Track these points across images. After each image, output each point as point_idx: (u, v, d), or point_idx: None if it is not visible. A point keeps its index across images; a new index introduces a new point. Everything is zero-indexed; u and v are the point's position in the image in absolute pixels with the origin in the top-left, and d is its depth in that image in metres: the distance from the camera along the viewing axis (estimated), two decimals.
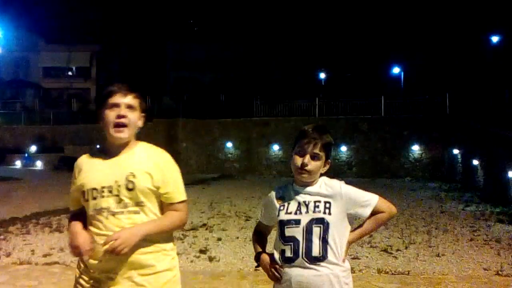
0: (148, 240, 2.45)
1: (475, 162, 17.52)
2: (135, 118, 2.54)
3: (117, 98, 2.49)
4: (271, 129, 26.29)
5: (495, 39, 33.31)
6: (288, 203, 2.61)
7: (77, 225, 2.52)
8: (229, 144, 27.00)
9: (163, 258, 2.53)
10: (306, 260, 2.49)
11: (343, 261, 2.53)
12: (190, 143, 27.69)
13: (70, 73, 47.23)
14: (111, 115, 2.47)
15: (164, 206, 2.59)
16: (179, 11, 47.23)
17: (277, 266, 2.59)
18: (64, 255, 7.66)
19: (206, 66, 43.07)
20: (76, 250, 2.42)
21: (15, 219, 10.73)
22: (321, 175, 2.64)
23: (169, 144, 27.64)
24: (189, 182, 21.01)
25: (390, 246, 8.37)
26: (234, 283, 6.20)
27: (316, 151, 2.55)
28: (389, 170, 23.22)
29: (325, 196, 2.55)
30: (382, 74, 40.65)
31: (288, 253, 2.54)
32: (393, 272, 6.74)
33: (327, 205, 2.52)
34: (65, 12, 42.91)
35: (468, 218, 11.65)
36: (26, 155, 29.73)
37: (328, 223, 2.49)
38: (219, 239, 9.02)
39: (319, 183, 2.60)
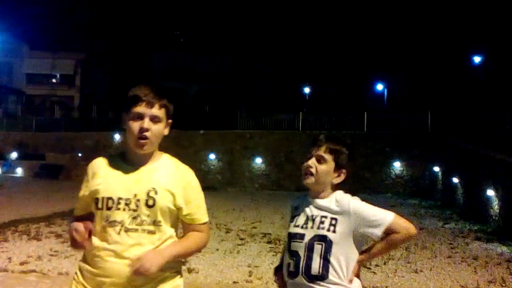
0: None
1: (455, 179, 17.70)
2: (159, 131, 2.35)
3: (142, 108, 2.28)
4: (254, 142, 26.31)
5: (477, 59, 33.88)
6: (299, 215, 2.53)
7: (79, 223, 2.34)
8: (212, 156, 26.95)
9: (168, 280, 2.38)
10: (305, 277, 2.40)
11: (350, 281, 2.39)
12: (172, 154, 27.30)
13: (54, 80, 46.89)
14: (134, 126, 2.28)
15: (185, 226, 2.45)
16: (166, 22, 47.29)
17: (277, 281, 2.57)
18: (42, 263, 7.58)
19: (192, 77, 43.12)
20: (76, 242, 2.28)
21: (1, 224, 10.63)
22: (337, 188, 2.53)
23: None
24: None
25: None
26: None
27: (321, 153, 2.47)
28: (370, 185, 23.32)
29: (333, 212, 2.42)
30: (365, 91, 41.07)
31: (291, 268, 2.47)
32: (371, 287, 6.77)
33: (333, 222, 2.40)
34: (50, 19, 42.74)
35: (446, 235, 11.76)
36: (6, 161, 29.39)
37: (331, 242, 2.37)
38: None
39: (331, 197, 2.48)
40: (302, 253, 2.43)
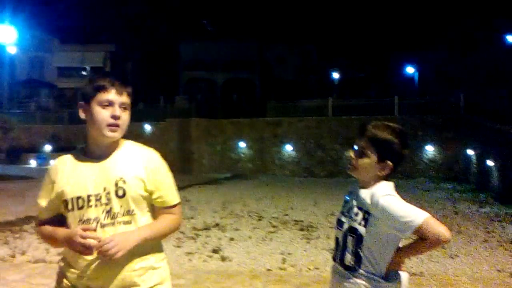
0: (137, 254, 2.24)
1: (490, 163, 17.35)
2: (127, 119, 2.30)
3: (112, 95, 2.22)
4: (283, 129, 26.26)
5: (510, 38, 32.99)
6: (347, 202, 2.47)
7: (61, 229, 2.26)
8: (242, 144, 27.01)
9: (152, 274, 2.31)
10: (339, 264, 2.40)
11: (386, 276, 2.29)
12: (203, 143, 27.75)
13: (84, 72, 47.52)
14: (103, 113, 2.21)
15: (157, 210, 2.36)
16: (193, 11, 47.35)
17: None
18: None
19: (219, 66, 43.16)
20: (88, 250, 2.11)
21: (30, 217, 10.75)
22: (385, 179, 2.38)
23: (182, 144, 27.79)
24: (202, 182, 21.13)
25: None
26: (246, 282, 6.20)
27: (362, 144, 2.35)
28: (403, 171, 23.06)
29: (367, 205, 2.31)
30: (395, 74, 40.53)
31: (334, 254, 2.49)
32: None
33: (365, 216, 2.30)
34: (80, 12, 43.25)
35: (482, 219, 11.56)
36: (40, 154, 29.98)
37: (361, 236, 2.29)
38: (232, 239, 9.04)
39: (373, 189, 2.34)
40: (340, 241, 2.40)
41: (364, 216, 2.31)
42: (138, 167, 2.30)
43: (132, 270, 2.24)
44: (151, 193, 2.30)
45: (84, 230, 2.13)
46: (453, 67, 36.95)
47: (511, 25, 32.62)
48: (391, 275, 2.31)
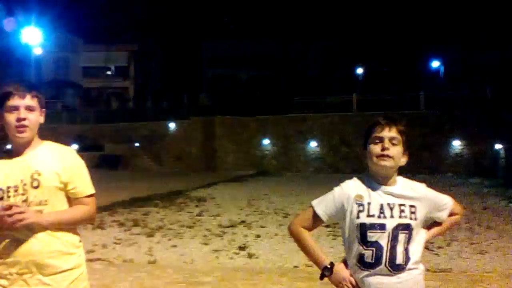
0: (52, 238, 2.44)
1: None
2: (35, 119, 2.50)
3: (16, 101, 2.44)
4: (308, 126, 26.18)
5: None
6: (369, 204, 2.37)
7: None
8: (266, 141, 27.02)
9: (68, 258, 2.50)
10: (389, 267, 2.31)
11: (420, 263, 2.38)
12: (227, 141, 27.81)
13: (109, 72, 48.00)
14: (11, 118, 2.43)
15: (72, 201, 2.57)
16: (214, 10, 47.44)
17: (353, 279, 2.40)
18: (107, 251, 7.81)
19: (242, 63, 43.15)
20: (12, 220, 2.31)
21: None
22: (403, 170, 2.44)
23: (206, 142, 27.90)
24: (227, 179, 21.18)
25: (431, 243, 8.19)
26: (274, 279, 6.19)
27: (394, 134, 2.36)
28: (429, 165, 22.82)
29: (409, 198, 2.35)
30: (420, 68, 39.98)
31: (369, 259, 2.33)
32: (434, 269, 6.62)
33: (413, 209, 2.34)
34: (103, 13, 43.62)
35: (511, 214, 11.37)
36: None
37: (412, 229, 2.32)
38: (258, 236, 9.04)
39: (399, 183, 2.40)
40: (384, 243, 2.31)
41: (411, 209, 2.34)
42: (54, 162, 2.53)
43: (47, 252, 2.42)
44: (65, 185, 2.52)
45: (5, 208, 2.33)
46: (480, 60, 36.37)
47: None
48: None
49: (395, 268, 2.30)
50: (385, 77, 38.44)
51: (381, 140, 2.36)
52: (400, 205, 2.33)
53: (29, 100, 2.48)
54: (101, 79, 47.18)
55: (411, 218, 2.32)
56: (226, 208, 12.73)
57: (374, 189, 2.38)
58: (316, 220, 2.55)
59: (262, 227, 10.02)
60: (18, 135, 2.46)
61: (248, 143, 27.48)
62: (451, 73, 36.86)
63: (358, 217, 2.36)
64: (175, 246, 8.26)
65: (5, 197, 2.43)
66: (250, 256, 7.52)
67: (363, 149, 2.45)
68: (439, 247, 7.89)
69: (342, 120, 25.31)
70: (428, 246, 8.00)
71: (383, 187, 2.37)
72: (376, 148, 2.35)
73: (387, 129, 2.37)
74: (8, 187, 2.44)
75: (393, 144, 2.36)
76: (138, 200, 14.02)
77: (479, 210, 12.04)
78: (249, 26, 45.07)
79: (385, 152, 2.33)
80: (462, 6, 39.54)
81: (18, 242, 2.39)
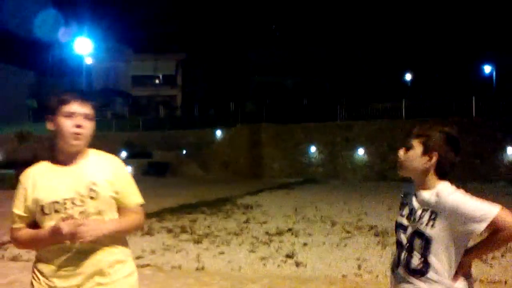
0: (107, 246, 2.45)
1: None
2: (91, 128, 2.49)
3: (74, 107, 2.42)
4: (355, 133, 25.90)
5: None
6: (406, 204, 2.45)
7: (42, 229, 2.41)
8: (313, 148, 26.86)
9: (124, 266, 2.54)
10: (405, 270, 2.35)
11: (454, 280, 2.25)
12: (273, 148, 27.80)
13: (157, 81, 48.93)
14: (67, 123, 2.40)
15: (122, 210, 2.57)
16: (261, 17, 47.69)
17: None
18: (156, 257, 7.89)
19: (288, 70, 43.18)
20: (72, 235, 2.29)
21: None
22: (445, 178, 2.35)
23: (252, 149, 27.97)
24: (273, 186, 21.15)
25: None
26: None
27: (409, 141, 2.40)
28: (481, 174, 22.18)
29: (432, 206, 2.28)
30: (472, 74, 39.10)
31: (396, 257, 2.46)
32: (489, 281, 6.40)
33: (432, 216, 2.26)
34: (152, 22, 44.51)
35: None
36: None
37: (428, 239, 2.25)
38: (305, 244, 8.96)
39: (434, 189, 2.32)
40: (405, 244, 2.37)
41: (430, 217, 2.27)
42: (106, 171, 2.53)
43: (109, 262, 2.45)
44: (118, 194, 2.53)
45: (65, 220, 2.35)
46: None
47: None
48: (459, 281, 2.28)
49: (411, 272, 2.32)
50: (436, 83, 37.73)
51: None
52: (423, 210, 2.31)
53: (88, 108, 2.49)
54: (150, 87, 48.13)
55: (427, 226, 2.27)
56: (273, 216, 12.69)
57: (413, 192, 2.43)
58: None
59: (309, 235, 9.93)
60: (74, 142, 2.43)
61: (294, 150, 27.40)
62: (504, 78, 35.83)
63: (398, 214, 2.50)
64: (222, 253, 8.28)
65: (62, 209, 2.39)
66: (297, 264, 7.45)
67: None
68: (493, 258, 7.61)
69: (390, 127, 24.89)
70: (480, 258, 7.74)
71: (418, 192, 2.39)
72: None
73: (407, 136, 2.47)
74: (65, 200, 2.40)
75: (407, 150, 2.41)
76: (185, 207, 14.15)
77: None
78: (295, 33, 45.13)
79: (398, 159, 2.48)
80: None
81: (81, 254, 2.39)
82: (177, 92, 47.48)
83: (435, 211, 2.26)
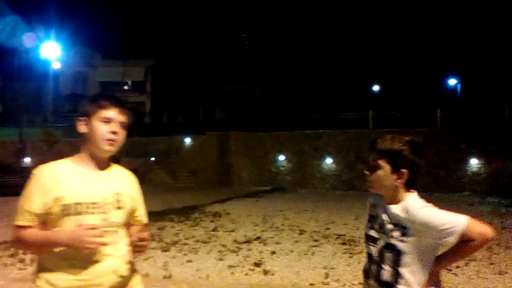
0: (128, 257, 2.43)
1: None
2: (124, 136, 2.46)
3: (113, 114, 2.38)
4: (323, 142, 26.10)
5: None
6: (376, 217, 2.44)
7: (57, 230, 2.29)
8: (281, 157, 26.97)
9: (138, 279, 2.55)
10: (376, 282, 2.35)
11: None
12: (242, 156, 27.81)
13: (126, 87, 48.45)
14: (104, 128, 2.36)
15: (131, 227, 2.53)
16: (232, 25, 47.79)
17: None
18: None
19: (258, 79, 43.33)
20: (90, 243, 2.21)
21: None
22: (411, 189, 2.36)
23: (221, 157, 27.92)
24: (242, 195, 21.15)
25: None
26: None
27: (374, 160, 2.36)
28: (445, 184, 22.62)
29: (402, 220, 2.28)
30: (437, 86, 39.89)
31: (367, 270, 2.46)
32: None
33: (404, 231, 2.27)
34: (121, 28, 44.15)
35: None
36: None
37: (400, 251, 2.26)
38: (274, 252, 8.99)
39: (402, 203, 2.32)
40: (375, 257, 2.37)
41: (401, 231, 2.28)
42: (128, 185, 2.53)
43: (127, 268, 2.41)
44: (134, 211, 2.53)
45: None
46: (496, 78, 36.15)
47: None
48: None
49: (381, 284, 2.32)
50: (402, 94, 38.36)
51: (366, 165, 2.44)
52: (393, 224, 2.32)
53: (125, 117, 2.45)
54: (118, 93, 47.43)
55: (399, 240, 2.27)
56: (241, 224, 12.69)
57: (382, 206, 2.42)
58: None
59: (277, 243, 9.97)
60: (107, 147, 2.38)
61: (263, 158, 27.46)
62: (468, 91, 36.69)
63: (366, 227, 2.50)
64: (190, 261, 8.24)
65: (84, 212, 2.29)
66: (265, 272, 7.48)
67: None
68: (457, 267, 7.76)
69: (357, 137, 25.18)
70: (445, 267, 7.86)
71: (387, 206, 2.38)
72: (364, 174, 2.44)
73: (369, 155, 2.43)
74: (90, 203, 2.31)
75: (373, 170, 2.38)
76: (153, 215, 13.98)
77: (497, 230, 11.84)
78: (265, 42, 45.34)
79: (366, 179, 2.41)
80: (479, 24, 39.44)
81: (104, 260, 2.31)
82: (146, 99, 47.08)
83: (405, 226, 2.26)
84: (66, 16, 39.98)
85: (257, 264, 7.98)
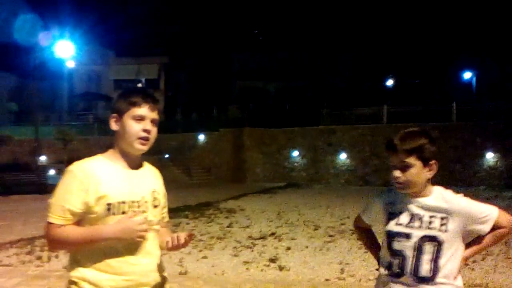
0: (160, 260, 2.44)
1: None
2: (156, 133, 2.41)
3: (145, 111, 2.33)
4: (337, 137, 26.04)
5: None
6: (400, 213, 2.41)
7: (99, 225, 2.24)
8: (295, 153, 26.94)
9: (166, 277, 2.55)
10: (413, 278, 2.33)
11: (455, 278, 2.34)
12: (256, 152, 27.83)
13: (139, 84, 48.61)
14: (136, 127, 2.31)
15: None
16: (244, 22, 47.73)
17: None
18: None
19: (271, 75, 43.21)
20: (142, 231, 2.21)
21: None
22: (434, 183, 2.41)
23: (235, 154, 27.95)
24: (256, 191, 21.17)
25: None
26: None
27: (401, 159, 2.33)
28: (461, 178, 22.44)
29: (441, 211, 2.32)
30: (452, 79, 39.49)
31: (395, 268, 2.38)
32: (470, 284, 6.47)
33: (444, 221, 2.31)
34: (134, 26, 44.30)
35: None
36: None
37: (442, 242, 2.30)
38: (289, 248, 8.98)
39: (434, 194, 2.37)
40: (410, 253, 2.33)
41: (441, 221, 2.32)
42: (160, 183, 2.53)
43: (162, 270, 2.44)
44: (163, 208, 2.51)
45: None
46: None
47: None
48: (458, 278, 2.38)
49: (420, 280, 2.31)
50: (417, 89, 38.10)
51: (393, 168, 2.38)
52: (431, 216, 2.33)
53: (156, 114, 2.41)
54: None
55: (440, 230, 2.30)
56: (256, 220, 12.71)
57: (408, 201, 2.40)
58: (362, 221, 2.75)
59: (292, 239, 9.96)
60: (139, 146, 2.34)
61: (277, 154, 27.46)
62: (483, 84, 36.32)
63: (387, 224, 2.44)
64: (205, 257, 8.26)
65: (127, 211, 2.25)
66: (280, 268, 7.47)
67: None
68: (474, 261, 7.69)
69: (372, 132, 25.09)
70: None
71: (418, 200, 2.37)
72: (393, 175, 2.38)
73: (394, 156, 2.37)
74: (132, 202, 2.28)
75: (404, 170, 2.34)
76: (168, 211, 14.08)
77: None
78: (278, 38, 45.22)
79: (398, 181, 2.36)
80: (494, 16, 38.99)
81: (149, 258, 2.32)
82: (160, 96, 47.12)
83: (445, 216, 2.31)
84: (80, 15, 40.30)
85: (272, 260, 7.97)
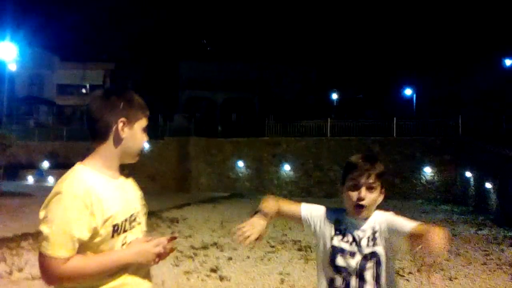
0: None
1: (488, 185, 17.37)
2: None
3: (147, 122, 2.24)
4: (282, 149, 26.29)
5: (508, 62, 33.33)
6: (345, 232, 2.43)
7: (111, 252, 2.01)
8: (240, 163, 27.01)
9: None
10: None
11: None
12: (201, 162, 27.73)
13: (84, 90, 47.65)
14: (144, 138, 2.23)
15: None
16: (193, 31, 47.69)
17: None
18: None
19: (219, 85, 43.28)
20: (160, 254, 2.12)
21: (27, 234, 10.65)
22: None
23: (180, 162, 27.76)
24: (200, 200, 21.08)
25: (402, 268, 8.28)
26: None
27: (371, 181, 2.34)
28: (400, 192, 23.08)
29: (381, 227, 2.37)
30: (394, 96, 40.77)
31: (339, 283, 2.39)
32: None
33: (376, 235, 2.37)
34: (80, 31, 43.56)
35: (480, 241, 11.54)
36: (38, 171, 29.92)
37: (379, 255, 2.34)
38: (230, 258, 9.00)
39: (373, 217, 2.42)
40: (352, 270, 2.36)
41: (373, 236, 2.37)
42: (138, 189, 2.34)
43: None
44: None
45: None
46: (450, 89, 37.20)
47: (509, 49, 32.93)
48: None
49: None
50: (360, 103, 39.05)
51: (358, 187, 2.36)
52: (368, 237, 2.38)
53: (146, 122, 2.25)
54: (76, 97, 46.78)
55: (373, 244, 2.35)
56: (199, 230, 12.66)
57: (352, 223, 2.43)
58: (297, 209, 2.70)
59: (234, 249, 9.97)
60: (137, 158, 2.26)
61: (222, 164, 27.45)
62: (423, 101, 37.61)
63: (332, 239, 2.44)
64: None
65: (129, 228, 2.08)
66: (221, 278, 7.48)
67: (341, 185, 2.47)
68: (409, 273, 7.95)
69: (316, 145, 25.49)
70: (398, 272, 8.06)
71: (358, 222, 2.42)
72: (352, 196, 2.36)
73: (365, 175, 2.35)
74: (131, 216, 2.09)
75: (370, 191, 2.36)
76: None
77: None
78: (227, 49, 45.43)
79: (361, 203, 2.34)
80: (435, 37, 40.51)
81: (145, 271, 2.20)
82: None
83: (375, 229, 2.37)
84: (24, 17, 39.22)
85: (213, 270, 7.97)
